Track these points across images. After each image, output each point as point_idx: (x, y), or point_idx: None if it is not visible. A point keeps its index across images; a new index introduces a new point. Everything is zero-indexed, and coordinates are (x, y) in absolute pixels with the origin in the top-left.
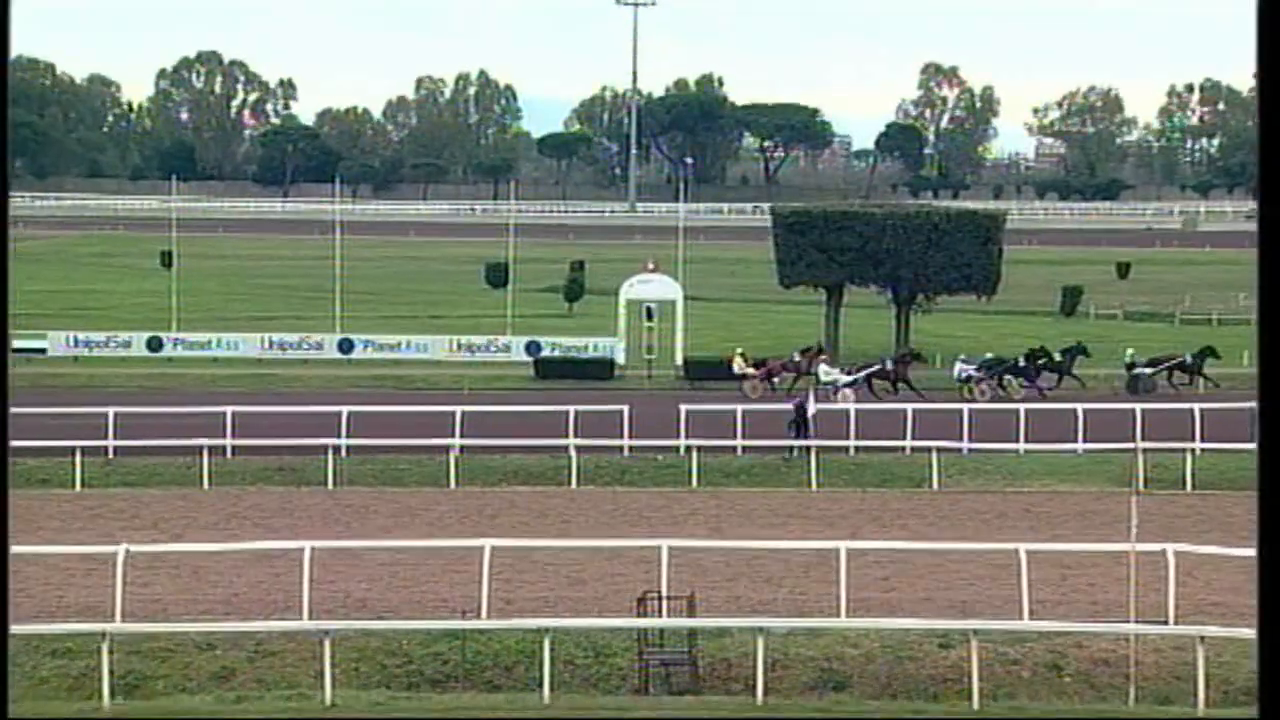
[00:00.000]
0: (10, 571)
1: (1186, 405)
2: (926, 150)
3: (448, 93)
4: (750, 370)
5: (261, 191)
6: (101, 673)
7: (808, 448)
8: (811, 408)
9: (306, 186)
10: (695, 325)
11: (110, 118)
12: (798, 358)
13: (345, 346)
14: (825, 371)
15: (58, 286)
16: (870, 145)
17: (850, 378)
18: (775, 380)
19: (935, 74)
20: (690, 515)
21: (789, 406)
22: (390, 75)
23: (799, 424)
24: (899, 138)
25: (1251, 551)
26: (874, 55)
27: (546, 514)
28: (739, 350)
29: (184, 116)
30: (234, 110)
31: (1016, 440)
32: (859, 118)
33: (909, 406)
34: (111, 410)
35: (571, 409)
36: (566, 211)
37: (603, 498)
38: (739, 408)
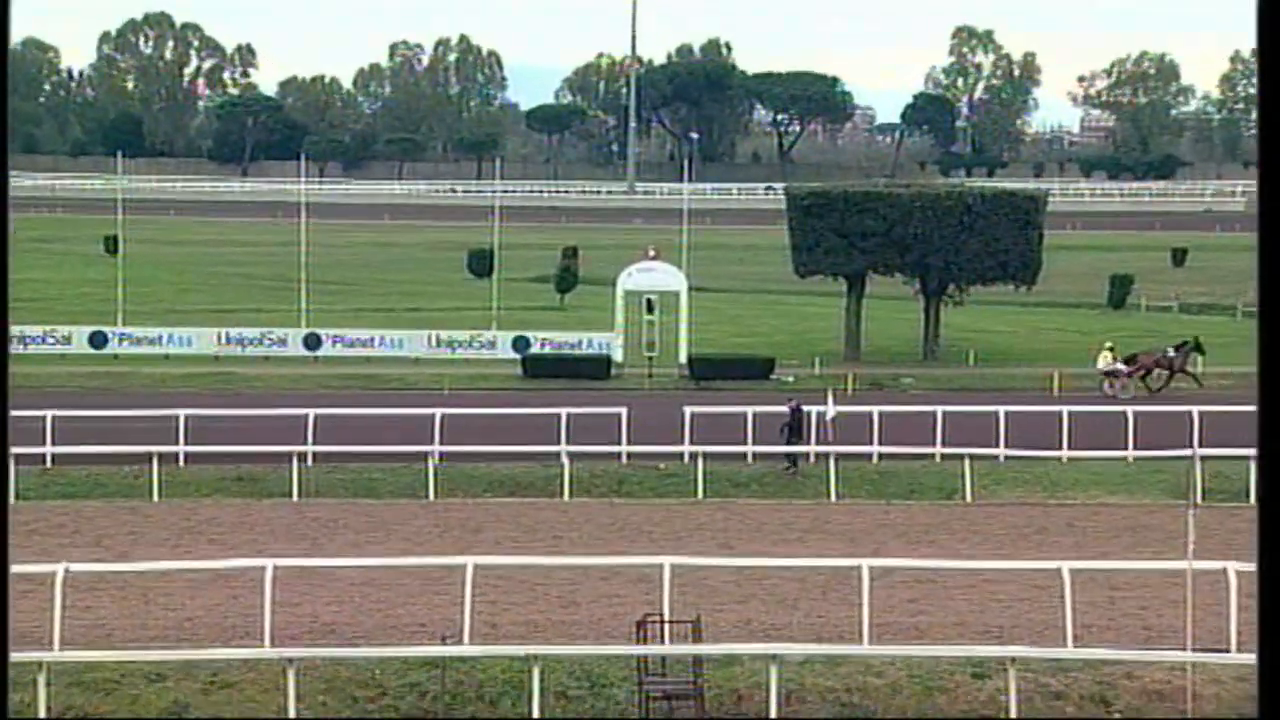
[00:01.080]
0: (10, 572)
1: (1250, 409)
2: (958, 124)
3: (425, 60)
4: (1120, 366)
5: (218, 170)
6: (38, 708)
7: (806, 457)
8: (830, 410)
9: (268, 164)
10: (701, 319)
11: (47, 87)
12: (1171, 353)
13: (312, 342)
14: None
15: None
16: (896, 118)
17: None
18: (1149, 377)
19: (968, 39)
20: (695, 530)
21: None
22: (362, 41)
23: (793, 429)
24: (928, 110)
25: None
26: (900, 18)
27: (536, 528)
28: (1108, 345)
29: (130, 86)
30: (186, 79)
31: (1059, 446)
32: (883, 88)
33: (939, 409)
34: (50, 413)
35: (564, 412)
36: (558, 192)
37: (598, 510)
38: (748, 410)
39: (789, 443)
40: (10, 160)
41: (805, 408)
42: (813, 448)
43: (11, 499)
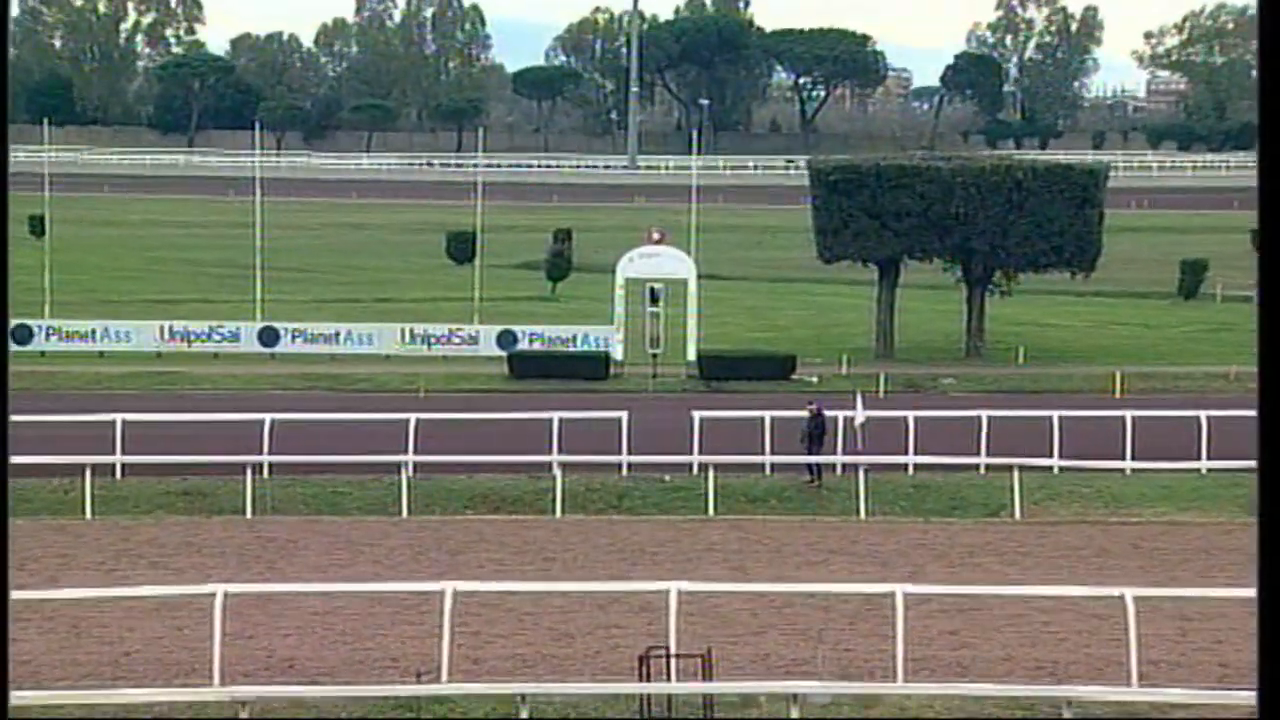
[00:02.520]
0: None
1: None
2: (1007, 88)
3: (398, 15)
4: None
5: (160, 140)
6: None
7: (831, 468)
8: (860, 415)
9: (217, 134)
10: (713, 311)
11: None
12: None
13: (268, 338)
14: None
15: None
16: (934, 82)
17: None
18: None
19: None
20: (706, 551)
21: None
22: None
23: (814, 436)
24: (971, 72)
25: None
26: None
27: (524, 550)
28: None
29: (58, 44)
30: (123, 36)
31: (1122, 456)
32: (921, 47)
33: (983, 414)
34: None
35: (555, 417)
36: (549, 167)
37: (595, 529)
38: (766, 415)
39: (810, 452)
40: None
41: (830, 412)
42: (839, 458)
43: None
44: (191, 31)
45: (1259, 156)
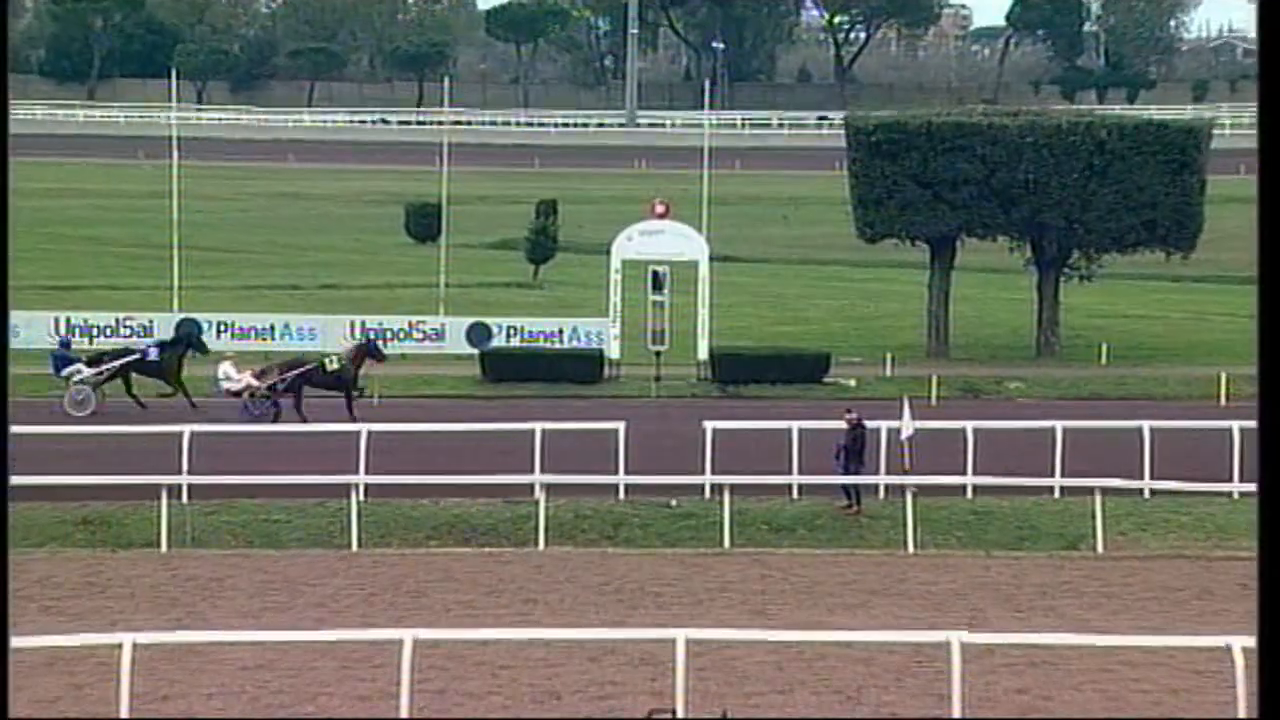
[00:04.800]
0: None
1: None
2: (1087, 28)
3: None
4: None
5: (55, 91)
6: None
7: (872, 490)
8: (908, 426)
9: (124, 84)
10: (728, 300)
11: None
12: None
13: (188, 332)
14: None
15: None
16: (999, 21)
17: None
18: None
19: None
20: (720, 591)
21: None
22: None
23: (852, 451)
24: (1045, 9)
25: None
26: None
27: (500, 589)
28: None
29: None
30: None
31: (1228, 478)
32: None
33: (1058, 424)
34: None
35: (538, 427)
36: (529, 125)
37: (586, 564)
38: (793, 426)
39: (848, 471)
40: None
41: (871, 423)
42: (882, 478)
43: None
44: None
45: (1259, 155)
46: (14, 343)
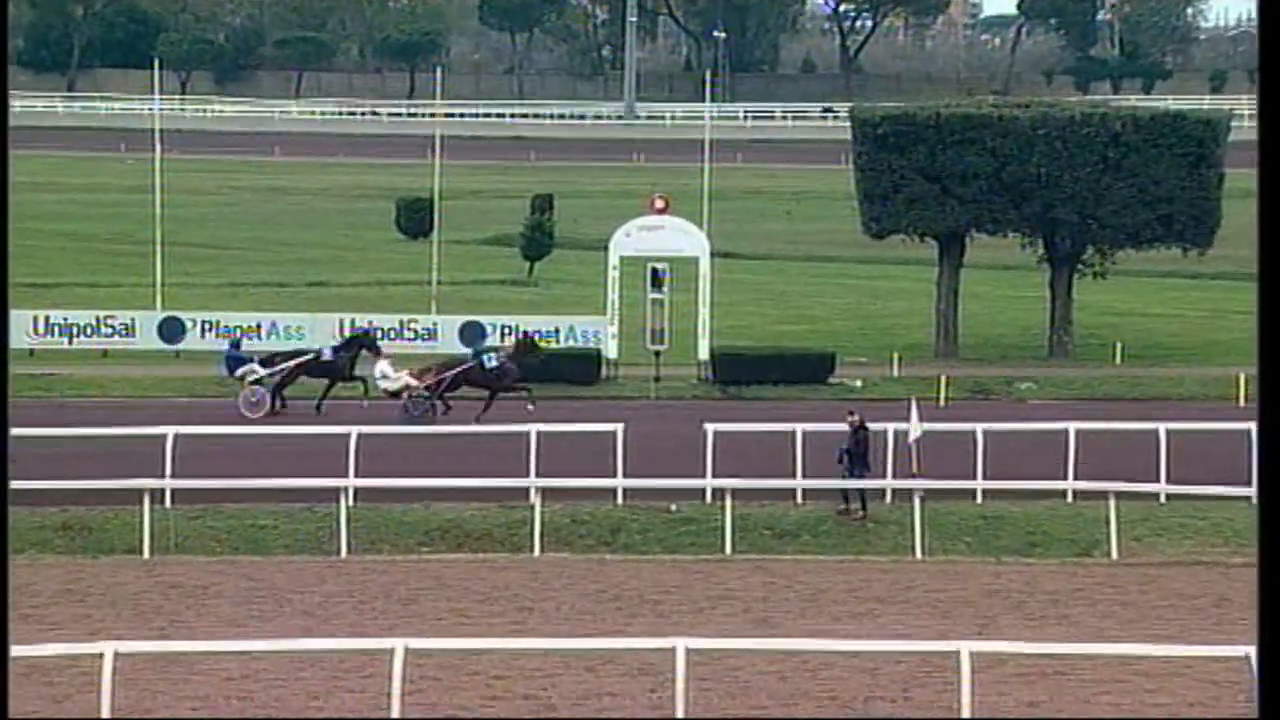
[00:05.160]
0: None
1: None
2: (1102, 16)
3: None
4: None
5: (33, 82)
6: None
7: (879, 494)
8: (916, 429)
9: (105, 74)
10: (730, 298)
11: None
12: None
13: (171, 331)
14: None
15: None
16: (1011, 9)
17: None
18: None
19: None
20: (721, 599)
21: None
22: None
23: (852, 454)
24: None
25: None
26: None
27: (494, 597)
28: None
29: None
30: None
31: (1247, 481)
32: None
33: (1070, 426)
34: None
35: (533, 430)
36: (524, 117)
37: (583, 571)
38: (797, 428)
39: (852, 475)
40: None
41: (877, 425)
42: (889, 482)
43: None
44: None
45: (1259, 153)
46: None
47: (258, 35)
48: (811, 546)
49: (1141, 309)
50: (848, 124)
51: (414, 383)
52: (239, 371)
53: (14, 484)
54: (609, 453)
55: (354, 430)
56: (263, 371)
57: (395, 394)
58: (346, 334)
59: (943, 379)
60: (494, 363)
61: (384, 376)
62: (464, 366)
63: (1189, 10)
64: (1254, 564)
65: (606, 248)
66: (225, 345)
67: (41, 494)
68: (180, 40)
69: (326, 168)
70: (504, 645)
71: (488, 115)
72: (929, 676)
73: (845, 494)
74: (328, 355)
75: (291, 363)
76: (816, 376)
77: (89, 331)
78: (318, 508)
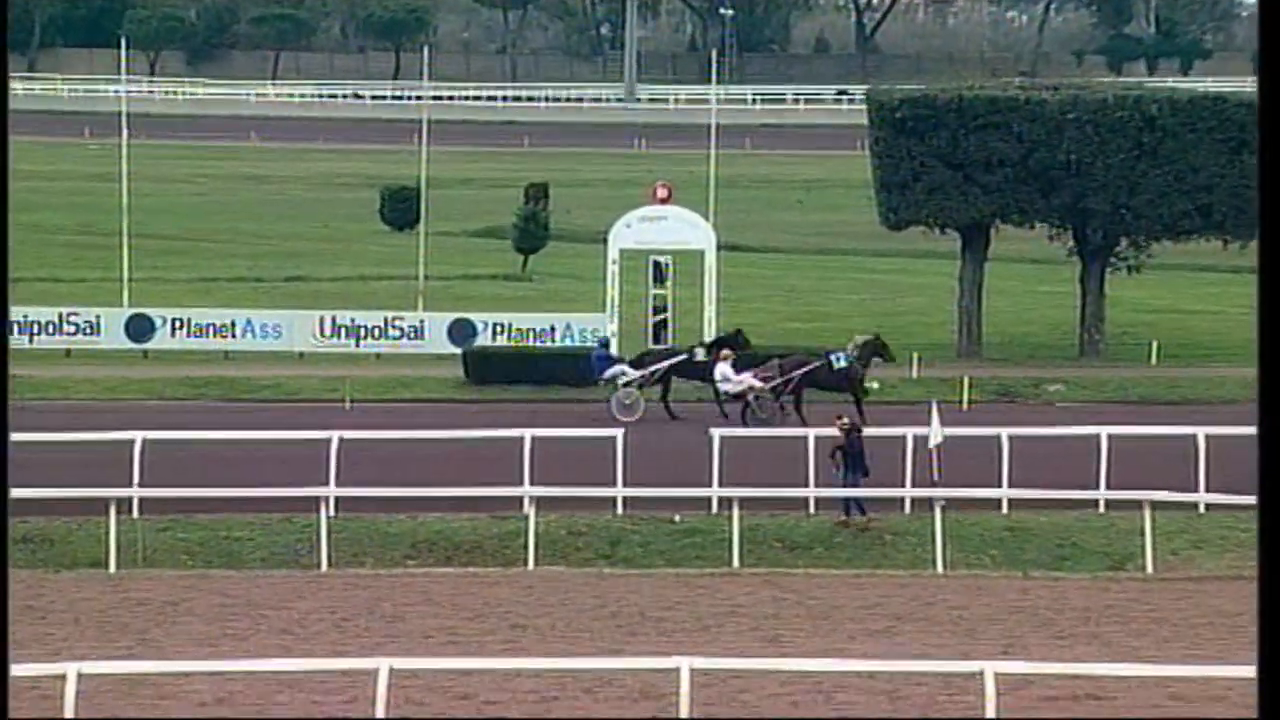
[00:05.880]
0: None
1: None
2: None
3: None
4: None
5: None
6: None
7: (870, 502)
8: (936, 434)
9: (69, 54)
10: (737, 293)
11: None
12: None
13: (139, 328)
14: None
15: None
16: None
17: None
18: None
19: None
20: (728, 615)
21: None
22: None
23: (847, 457)
24: None
25: None
26: None
27: (485, 613)
28: None
29: None
30: None
31: None
32: None
33: (1103, 431)
34: None
35: (527, 434)
36: (518, 100)
37: (580, 585)
38: (809, 433)
39: (847, 481)
40: None
41: (896, 430)
42: (907, 491)
43: None
44: None
45: (1259, 152)
46: None
47: (231, 12)
48: (825, 559)
49: (1179, 305)
50: (864, 107)
51: (758, 384)
52: (608, 373)
53: None
54: (608, 459)
55: (335, 435)
56: (634, 374)
57: (738, 396)
58: (717, 334)
59: (965, 381)
60: (843, 362)
61: (725, 379)
62: (810, 366)
63: None
64: None
65: (605, 240)
66: (594, 345)
67: None
68: (148, 17)
69: (305, 154)
70: (496, 666)
71: (478, 98)
72: (951, 699)
73: (845, 504)
74: (700, 356)
75: (664, 363)
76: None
77: (51, 330)
78: (296, 518)
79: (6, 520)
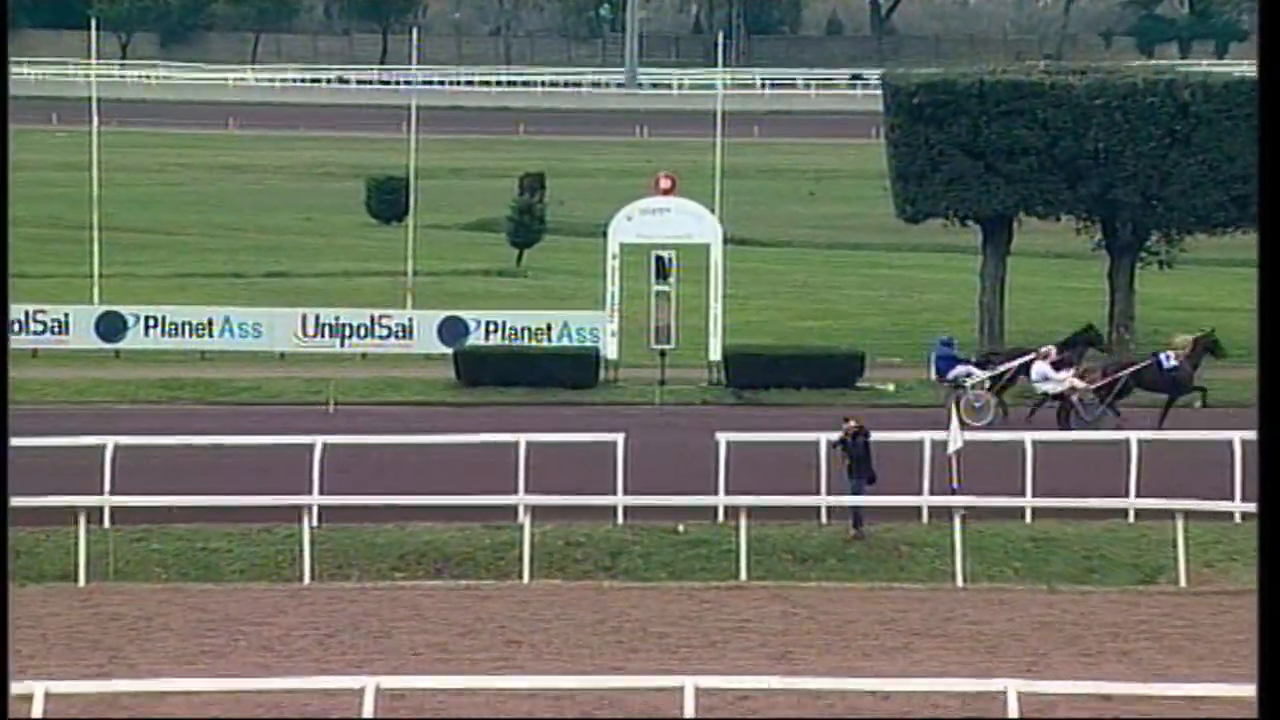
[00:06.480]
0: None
1: None
2: None
3: None
4: None
5: None
6: None
7: (915, 513)
8: (956, 438)
9: (34, 36)
10: (745, 290)
11: None
12: None
13: (110, 327)
14: None
15: None
16: None
17: None
18: None
19: None
20: (736, 631)
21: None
22: None
23: (852, 461)
24: None
25: None
26: None
27: (478, 629)
28: None
29: None
30: None
31: None
32: None
33: (1133, 435)
34: None
35: (522, 440)
36: (512, 85)
37: (579, 599)
38: (820, 438)
39: (855, 488)
40: None
41: (914, 434)
42: (925, 499)
43: None
44: None
45: (1260, 155)
46: None
47: None
48: (837, 572)
49: (1213, 302)
50: (879, 93)
51: (1080, 384)
52: (953, 374)
53: None
54: (608, 466)
55: (318, 440)
56: (981, 375)
57: (1058, 397)
58: (1072, 332)
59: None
60: (1172, 362)
61: (1044, 379)
62: (1138, 366)
63: None
64: None
65: (605, 233)
66: (936, 344)
67: None
68: None
69: (287, 142)
70: (489, 684)
71: (470, 83)
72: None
73: (855, 513)
74: (1054, 355)
75: (1014, 363)
76: (843, 379)
77: (16, 329)
78: (277, 528)
79: (6, 525)
